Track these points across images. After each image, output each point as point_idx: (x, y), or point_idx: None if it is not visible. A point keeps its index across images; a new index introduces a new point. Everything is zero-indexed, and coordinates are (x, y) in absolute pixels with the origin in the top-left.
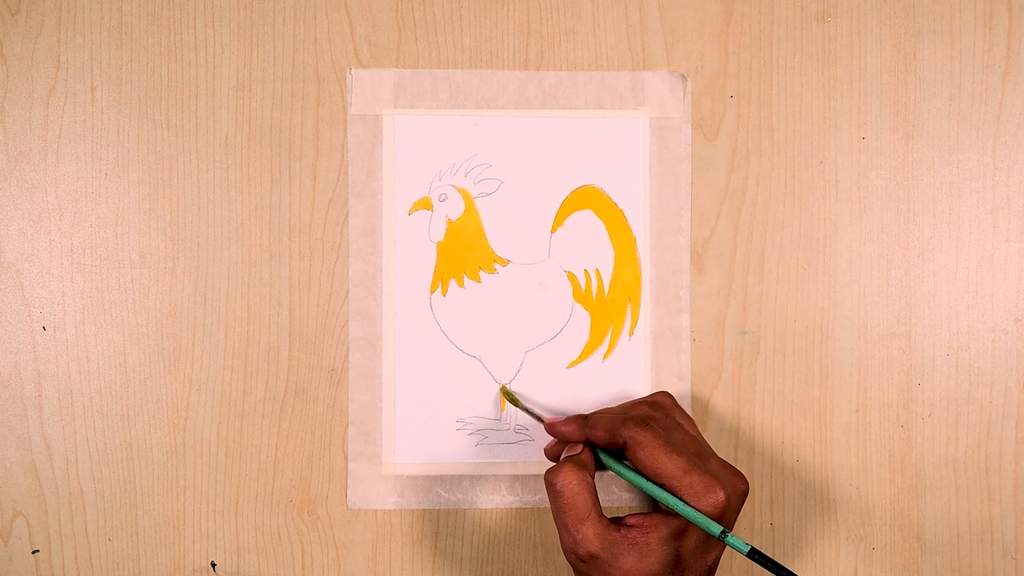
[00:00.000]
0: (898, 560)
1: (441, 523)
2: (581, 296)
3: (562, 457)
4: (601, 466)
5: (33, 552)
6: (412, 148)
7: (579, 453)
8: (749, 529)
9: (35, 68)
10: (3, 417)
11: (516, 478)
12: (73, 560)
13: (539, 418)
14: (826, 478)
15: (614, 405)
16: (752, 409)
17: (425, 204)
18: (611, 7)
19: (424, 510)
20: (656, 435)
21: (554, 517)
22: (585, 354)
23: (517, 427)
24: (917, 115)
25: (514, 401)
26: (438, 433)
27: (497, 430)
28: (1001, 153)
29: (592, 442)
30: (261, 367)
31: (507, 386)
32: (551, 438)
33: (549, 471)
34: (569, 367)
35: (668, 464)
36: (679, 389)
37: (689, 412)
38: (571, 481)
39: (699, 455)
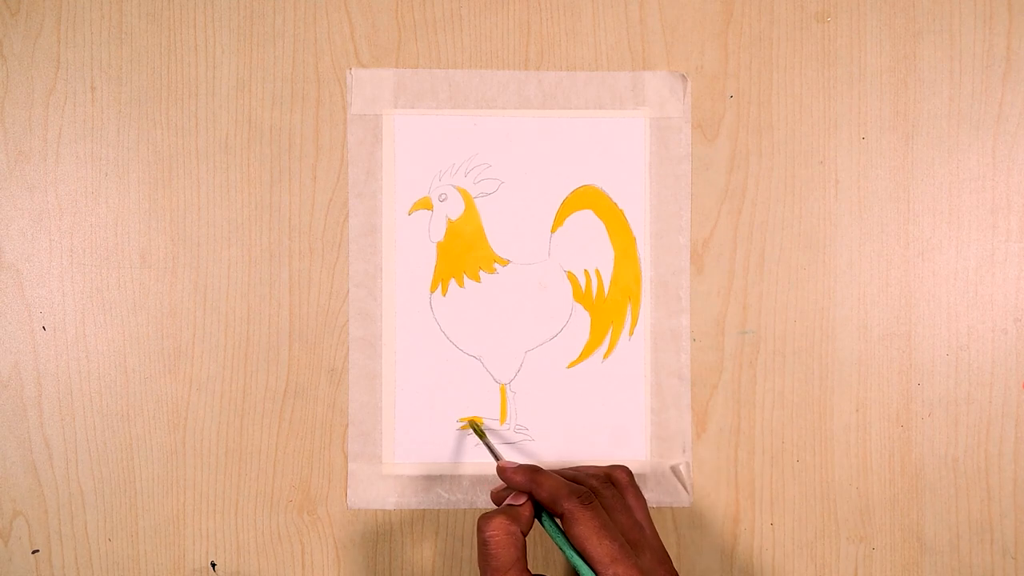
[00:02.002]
0: (898, 560)
1: (441, 523)
2: (581, 296)
3: (503, 504)
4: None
5: (33, 552)
6: (412, 148)
7: (520, 505)
8: (749, 529)
9: (35, 68)
10: (3, 417)
11: None
12: (73, 560)
13: (497, 458)
14: (826, 478)
15: (572, 467)
16: (752, 409)
17: (425, 204)
18: (611, 7)
19: (424, 510)
20: (595, 515)
21: (478, 563)
22: (585, 354)
23: (517, 427)
24: (917, 115)
25: (480, 434)
26: (438, 433)
27: (497, 430)
28: (1001, 153)
29: (535, 499)
30: (261, 367)
31: (474, 420)
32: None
33: (482, 517)
34: (569, 367)
35: (598, 548)
36: (679, 389)
37: (689, 412)
38: (499, 532)
39: (635, 544)
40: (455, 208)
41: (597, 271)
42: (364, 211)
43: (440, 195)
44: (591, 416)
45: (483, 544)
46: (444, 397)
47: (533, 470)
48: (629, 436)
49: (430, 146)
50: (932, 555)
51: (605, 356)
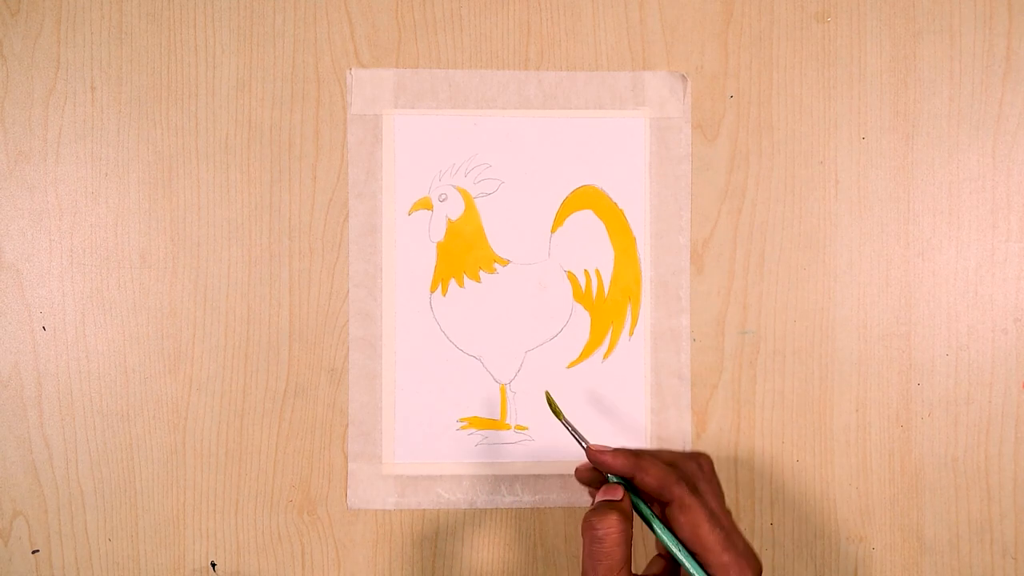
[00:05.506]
0: (898, 560)
1: (441, 523)
2: (581, 296)
3: (600, 498)
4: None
5: (33, 552)
6: (412, 148)
7: (620, 500)
8: (750, 529)
9: (35, 68)
10: (3, 417)
11: (516, 478)
12: (73, 560)
13: (580, 440)
14: (826, 478)
15: (658, 448)
16: (752, 409)
17: (425, 204)
18: (611, 7)
19: (424, 510)
20: (703, 503)
21: (584, 560)
22: (585, 354)
23: (517, 427)
24: (917, 115)
25: (557, 413)
26: (438, 433)
27: (497, 430)
28: (1001, 153)
29: (637, 485)
30: (261, 367)
31: (550, 394)
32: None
33: (594, 513)
34: (569, 367)
35: (709, 537)
36: (679, 389)
37: (689, 412)
38: (615, 531)
39: (729, 531)
40: (455, 208)
41: (597, 271)
42: (364, 211)
43: (440, 195)
44: (591, 416)
45: (598, 542)
46: (444, 397)
47: (633, 455)
48: (629, 436)
49: (430, 146)
50: (932, 555)
51: (605, 356)
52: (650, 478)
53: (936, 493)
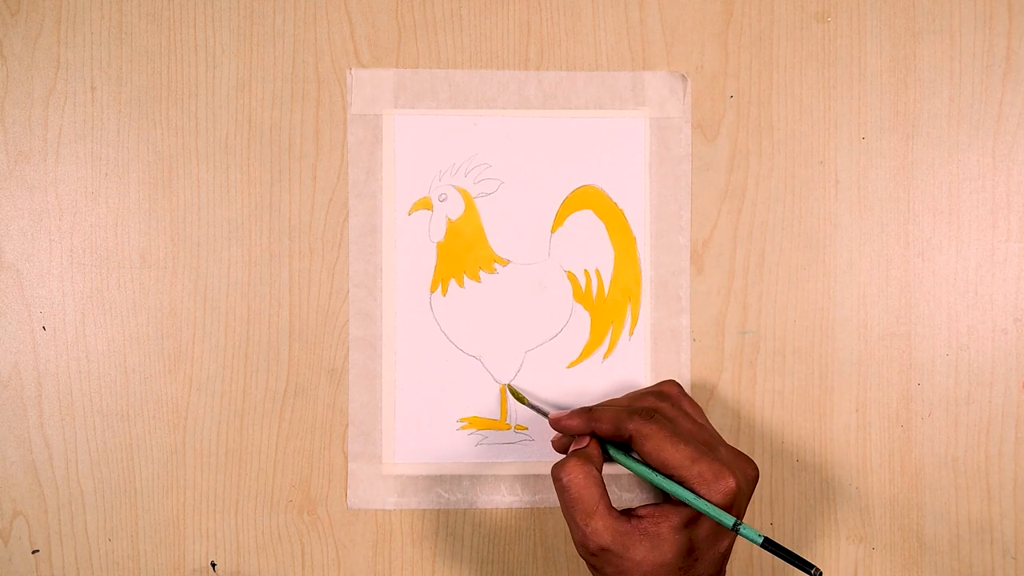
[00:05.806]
0: (898, 560)
1: (441, 523)
2: (581, 296)
3: (569, 450)
4: (609, 458)
5: (33, 552)
6: (412, 148)
7: (586, 446)
8: None
9: (35, 68)
10: (3, 417)
11: (516, 478)
12: (73, 560)
13: (544, 414)
14: (826, 478)
15: (620, 396)
16: (752, 409)
17: (425, 204)
18: (611, 7)
19: (424, 510)
20: (661, 427)
21: (563, 512)
22: (585, 354)
23: (517, 427)
24: (917, 115)
25: (520, 399)
26: (438, 433)
27: (497, 430)
28: (1001, 153)
29: (600, 436)
30: (261, 367)
31: (511, 384)
32: (554, 434)
33: (555, 466)
34: (569, 367)
35: (675, 454)
36: None
37: None
38: (577, 475)
39: (707, 443)
40: (455, 208)
41: (597, 271)
42: (364, 211)
43: (440, 195)
44: None
45: (564, 490)
46: (444, 397)
47: (587, 410)
48: None
49: (430, 146)
50: (932, 555)
51: (605, 356)
52: (605, 424)
53: (936, 493)
